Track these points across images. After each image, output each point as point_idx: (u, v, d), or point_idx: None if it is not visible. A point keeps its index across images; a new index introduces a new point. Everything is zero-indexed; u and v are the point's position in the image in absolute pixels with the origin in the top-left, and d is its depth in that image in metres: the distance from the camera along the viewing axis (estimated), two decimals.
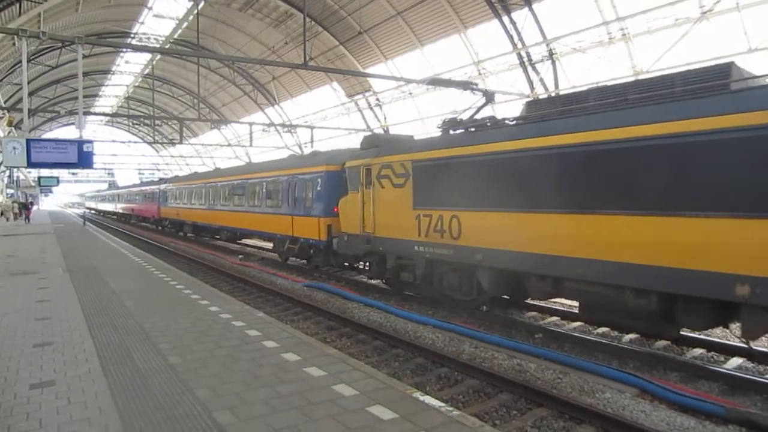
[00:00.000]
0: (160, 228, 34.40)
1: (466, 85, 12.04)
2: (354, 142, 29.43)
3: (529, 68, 20.52)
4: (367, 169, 11.45)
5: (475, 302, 9.62)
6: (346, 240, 12.38)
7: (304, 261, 16.19)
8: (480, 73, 22.64)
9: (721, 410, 5.34)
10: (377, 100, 29.63)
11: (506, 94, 20.32)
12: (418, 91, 26.26)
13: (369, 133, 12.02)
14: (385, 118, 29.75)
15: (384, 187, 10.90)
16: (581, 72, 19.25)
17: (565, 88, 19.73)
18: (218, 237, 24.94)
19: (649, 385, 6.02)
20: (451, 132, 10.03)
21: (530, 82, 20.58)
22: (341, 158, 13.59)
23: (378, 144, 11.73)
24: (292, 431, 3.79)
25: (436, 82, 11.99)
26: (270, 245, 21.73)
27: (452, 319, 9.48)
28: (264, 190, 17.72)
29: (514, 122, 8.76)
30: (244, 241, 24.06)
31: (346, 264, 14.65)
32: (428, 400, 4.43)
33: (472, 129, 9.53)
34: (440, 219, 9.43)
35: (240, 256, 19.58)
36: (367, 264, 12.32)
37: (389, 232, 10.82)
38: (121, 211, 48.61)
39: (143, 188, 39.41)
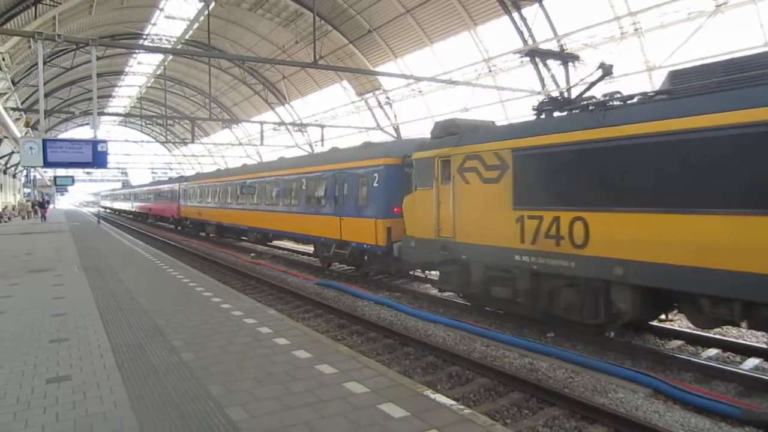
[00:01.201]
0: (179, 228, 32.98)
1: (566, 57, 10.16)
2: (363, 140, 29.46)
3: (540, 65, 20.36)
4: (443, 160, 9.58)
5: (602, 327, 7.72)
6: (414, 246, 10.45)
7: (352, 267, 14.32)
8: (490, 70, 22.53)
9: (737, 411, 5.26)
10: (387, 98, 29.62)
11: (516, 91, 20.19)
12: (428, 89, 26.21)
13: (443, 119, 10.41)
14: (395, 117, 29.74)
15: (469, 183, 8.99)
16: (593, 68, 19.04)
17: (576, 84, 19.51)
18: (245, 239, 23.12)
19: (663, 386, 5.94)
20: (558, 114, 8.08)
21: (541, 79, 20.43)
22: (403, 149, 12.02)
23: (456, 130, 9.74)
24: (303, 428, 3.81)
25: (535, 53, 10.41)
26: (300, 246, 20.55)
27: (463, 317, 9.46)
28: (303, 188, 15.78)
29: (653, 98, 6.91)
30: (275, 242, 22.18)
31: (409, 272, 12.97)
32: (439, 398, 4.42)
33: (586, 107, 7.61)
34: (555, 222, 7.50)
35: (252, 254, 19.71)
36: (440, 274, 10.39)
37: (476, 237, 8.88)
38: (137, 210, 47.53)
39: (162, 186, 37.57)
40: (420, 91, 26.96)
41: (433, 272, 11.93)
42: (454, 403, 4.34)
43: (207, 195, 26.15)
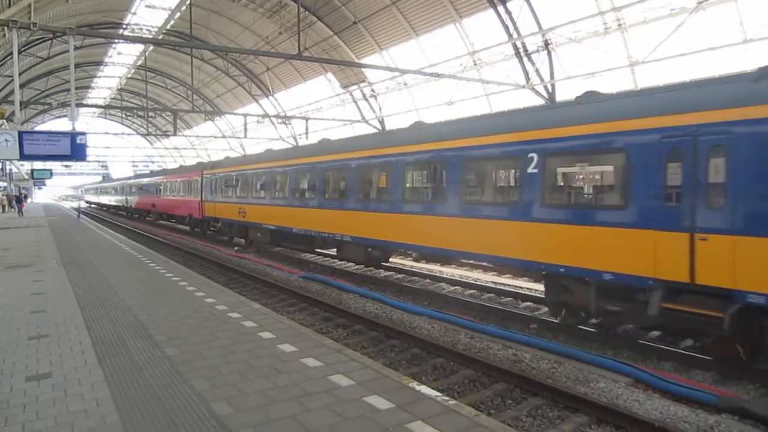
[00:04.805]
0: (195, 230, 25.85)
1: None
2: (349, 133, 29.37)
3: (525, 58, 20.45)
4: None
5: None
6: None
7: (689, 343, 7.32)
8: (475, 63, 22.56)
9: (714, 399, 5.41)
10: (372, 90, 29.49)
11: (501, 85, 20.27)
12: (414, 82, 26.18)
13: None
14: (380, 109, 29.65)
15: None
16: (577, 62, 19.25)
17: (560, 79, 19.71)
18: (325, 251, 16.57)
19: (642, 375, 6.08)
20: None
21: (525, 73, 20.52)
22: None
23: None
24: (288, 421, 3.81)
25: None
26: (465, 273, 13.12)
27: (447, 309, 9.52)
28: (538, 170, 8.04)
29: None
30: (393, 259, 14.74)
31: None
32: (424, 389, 4.46)
33: None
34: None
35: (236, 248, 19.55)
36: None
37: None
38: (134, 206, 39.79)
39: (173, 177, 28.97)
40: (405, 84, 26.89)
41: None
42: (439, 394, 4.38)
43: (257, 186, 18.07)
